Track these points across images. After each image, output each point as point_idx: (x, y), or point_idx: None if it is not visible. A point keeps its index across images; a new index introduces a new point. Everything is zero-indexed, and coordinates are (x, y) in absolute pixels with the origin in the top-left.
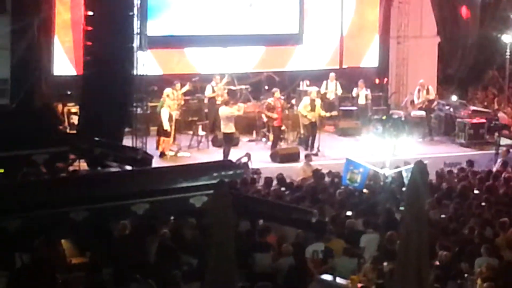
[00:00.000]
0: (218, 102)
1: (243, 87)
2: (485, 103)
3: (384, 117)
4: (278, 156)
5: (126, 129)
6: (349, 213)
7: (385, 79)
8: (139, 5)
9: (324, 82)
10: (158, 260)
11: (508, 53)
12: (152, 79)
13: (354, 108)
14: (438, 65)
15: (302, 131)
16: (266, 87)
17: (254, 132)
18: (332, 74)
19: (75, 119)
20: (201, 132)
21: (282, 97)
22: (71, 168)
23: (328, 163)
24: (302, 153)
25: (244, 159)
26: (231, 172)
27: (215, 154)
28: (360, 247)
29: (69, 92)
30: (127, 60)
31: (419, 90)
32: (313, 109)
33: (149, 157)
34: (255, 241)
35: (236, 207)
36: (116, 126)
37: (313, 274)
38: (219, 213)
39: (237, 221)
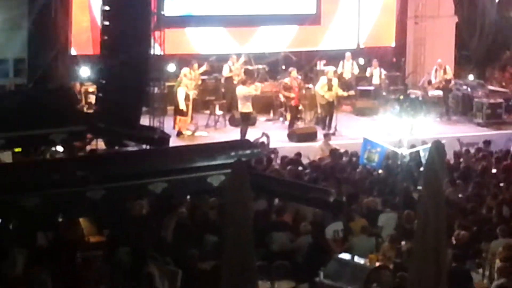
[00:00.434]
0: (235, 82)
1: (260, 66)
2: (503, 83)
3: (401, 97)
4: (295, 136)
5: (144, 108)
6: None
7: (402, 59)
8: None
9: (341, 62)
10: (176, 238)
11: None
12: (169, 59)
13: (371, 87)
14: (456, 45)
15: (319, 111)
16: (283, 67)
17: (272, 112)
18: (348, 54)
19: (92, 99)
20: (218, 112)
21: (299, 77)
22: (88, 147)
23: (346, 142)
24: (320, 132)
25: (263, 139)
26: (248, 152)
27: (232, 133)
28: (378, 226)
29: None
30: (144, 40)
31: (436, 70)
32: (330, 88)
33: (167, 136)
34: (272, 220)
35: (254, 186)
36: (134, 105)
37: (332, 253)
38: (237, 192)
39: (255, 200)
